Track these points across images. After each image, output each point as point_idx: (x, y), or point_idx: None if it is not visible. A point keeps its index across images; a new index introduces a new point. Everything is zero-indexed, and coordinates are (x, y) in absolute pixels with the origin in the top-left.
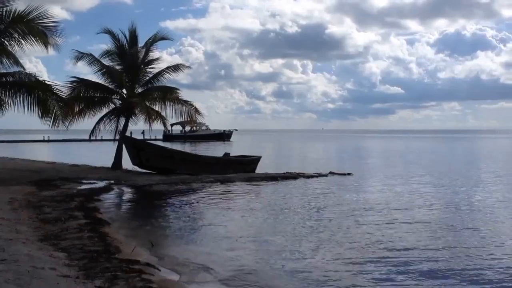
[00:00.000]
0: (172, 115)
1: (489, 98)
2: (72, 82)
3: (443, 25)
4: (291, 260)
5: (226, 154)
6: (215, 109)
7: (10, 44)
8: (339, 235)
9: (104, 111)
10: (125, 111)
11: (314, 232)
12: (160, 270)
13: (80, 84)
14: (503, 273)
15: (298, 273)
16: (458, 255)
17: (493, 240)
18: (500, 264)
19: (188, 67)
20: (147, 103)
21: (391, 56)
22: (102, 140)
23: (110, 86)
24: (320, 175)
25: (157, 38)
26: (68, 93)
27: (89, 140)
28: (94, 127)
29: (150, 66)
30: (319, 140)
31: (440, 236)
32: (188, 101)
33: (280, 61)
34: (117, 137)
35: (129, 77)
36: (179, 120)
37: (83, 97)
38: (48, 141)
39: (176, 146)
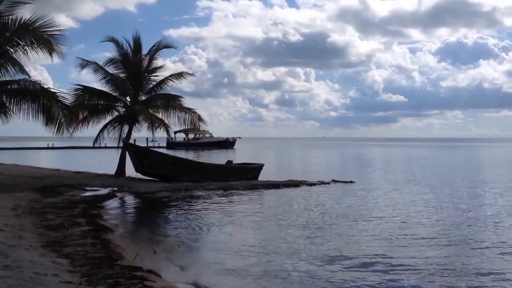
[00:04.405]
0: (175, 123)
1: (491, 106)
2: (77, 89)
3: (444, 34)
4: (295, 268)
5: (229, 162)
6: (218, 116)
7: (16, 52)
8: (342, 244)
9: (108, 118)
10: (129, 119)
11: (317, 240)
12: (162, 277)
13: (84, 91)
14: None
15: (303, 281)
16: (461, 268)
17: (497, 250)
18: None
19: (192, 75)
20: (151, 111)
21: (394, 64)
22: (106, 147)
23: (114, 94)
24: (322, 183)
25: (161, 46)
26: (73, 100)
27: (93, 147)
28: (98, 134)
29: (153, 74)
30: (321, 148)
31: (442, 248)
32: (191, 108)
33: (282, 69)
34: (121, 144)
35: (132, 85)
36: (183, 128)
37: (87, 104)
38: (52, 148)
39: (180, 154)
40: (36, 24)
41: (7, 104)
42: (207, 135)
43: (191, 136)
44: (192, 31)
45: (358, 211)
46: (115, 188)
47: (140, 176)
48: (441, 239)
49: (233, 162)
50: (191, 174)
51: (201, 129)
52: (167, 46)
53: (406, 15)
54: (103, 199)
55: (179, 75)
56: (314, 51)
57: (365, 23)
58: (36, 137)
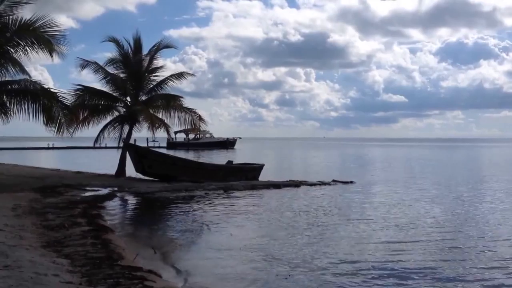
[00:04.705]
0: (175, 123)
1: (492, 107)
2: (77, 89)
3: (445, 34)
4: (295, 269)
5: (229, 162)
6: (218, 117)
7: (16, 52)
8: (343, 245)
9: (108, 118)
10: (129, 119)
11: (318, 241)
12: (162, 277)
13: (85, 91)
14: None
15: (303, 282)
16: (463, 271)
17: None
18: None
19: (192, 75)
20: (151, 111)
21: (394, 64)
22: (106, 147)
23: (114, 94)
24: (322, 183)
25: (161, 46)
26: (73, 100)
27: (93, 147)
28: (98, 134)
29: (154, 74)
30: (321, 148)
31: (444, 251)
32: (191, 108)
33: (283, 69)
34: (121, 144)
35: (133, 85)
36: (183, 128)
37: (88, 104)
38: (53, 148)
39: (180, 154)
40: (37, 24)
41: (8, 104)
42: (207, 135)
43: (191, 136)
44: (193, 31)
45: (358, 212)
46: (115, 188)
47: (140, 176)
48: (442, 241)
49: (234, 162)
50: (191, 174)
51: (201, 129)
52: (167, 46)
53: (406, 15)
54: (103, 199)
55: (179, 75)
56: (315, 51)
57: (365, 23)
58: (36, 137)
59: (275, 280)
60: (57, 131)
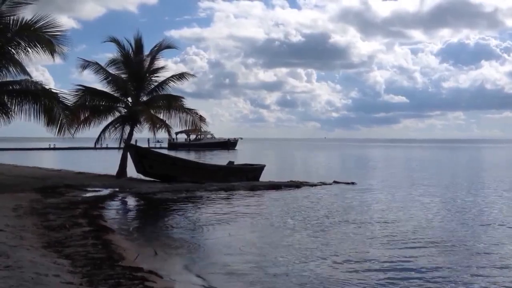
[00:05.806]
0: (176, 124)
1: (493, 107)
2: (78, 90)
3: (446, 35)
4: (295, 269)
5: (230, 163)
6: (219, 117)
7: (17, 53)
8: (343, 246)
9: (110, 119)
10: (130, 119)
11: (318, 241)
12: (162, 278)
13: (86, 92)
14: None
15: (303, 282)
16: (465, 274)
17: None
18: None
19: (193, 75)
20: (152, 111)
21: (395, 65)
22: (107, 148)
23: (115, 94)
24: (324, 183)
25: (162, 47)
26: (74, 101)
27: (94, 148)
28: (99, 135)
29: (155, 75)
30: (322, 148)
31: (445, 252)
32: (192, 109)
33: (284, 70)
34: (122, 145)
35: (134, 85)
36: (184, 129)
37: (89, 105)
38: (54, 149)
39: (181, 155)
40: (38, 25)
41: (9, 105)
42: (208, 136)
43: (192, 137)
44: (194, 32)
45: (359, 213)
46: (116, 189)
47: (141, 177)
48: (444, 243)
49: (234, 163)
50: (191, 174)
51: (202, 130)
52: (168, 47)
53: (407, 15)
54: (104, 199)
55: (180, 76)
56: (316, 52)
57: (366, 24)
58: (38, 137)
59: (274, 279)
60: (58, 131)
